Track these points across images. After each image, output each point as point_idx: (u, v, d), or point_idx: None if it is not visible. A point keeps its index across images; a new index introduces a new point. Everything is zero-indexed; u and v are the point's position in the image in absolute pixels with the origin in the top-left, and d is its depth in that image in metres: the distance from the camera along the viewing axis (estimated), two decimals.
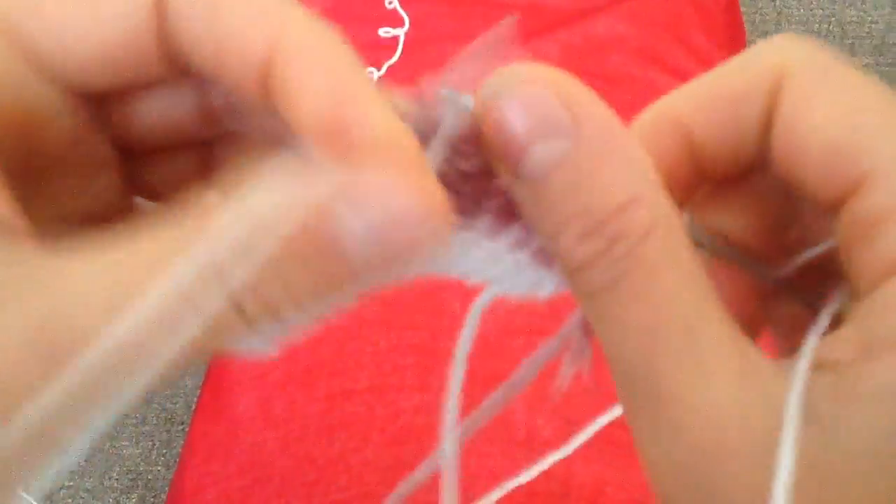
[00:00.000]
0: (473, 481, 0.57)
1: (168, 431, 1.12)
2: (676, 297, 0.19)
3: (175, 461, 1.04)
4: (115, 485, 1.09)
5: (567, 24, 0.93)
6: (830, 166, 0.20)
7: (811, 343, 0.19)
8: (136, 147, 0.25)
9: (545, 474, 0.57)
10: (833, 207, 0.20)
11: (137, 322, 0.17)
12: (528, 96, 0.19)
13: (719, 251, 0.25)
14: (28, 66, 0.22)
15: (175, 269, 0.17)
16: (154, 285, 0.17)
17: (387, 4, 0.94)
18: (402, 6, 0.94)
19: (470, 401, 0.29)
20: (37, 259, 0.19)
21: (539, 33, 0.92)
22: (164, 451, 1.11)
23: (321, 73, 0.20)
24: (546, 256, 0.22)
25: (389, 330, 0.61)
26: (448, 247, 0.20)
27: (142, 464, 1.11)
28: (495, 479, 0.56)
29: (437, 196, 0.18)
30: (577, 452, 0.58)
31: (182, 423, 1.12)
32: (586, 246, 0.19)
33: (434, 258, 0.21)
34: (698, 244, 0.23)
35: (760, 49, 0.22)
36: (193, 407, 0.71)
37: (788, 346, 0.26)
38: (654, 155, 0.21)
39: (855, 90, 0.20)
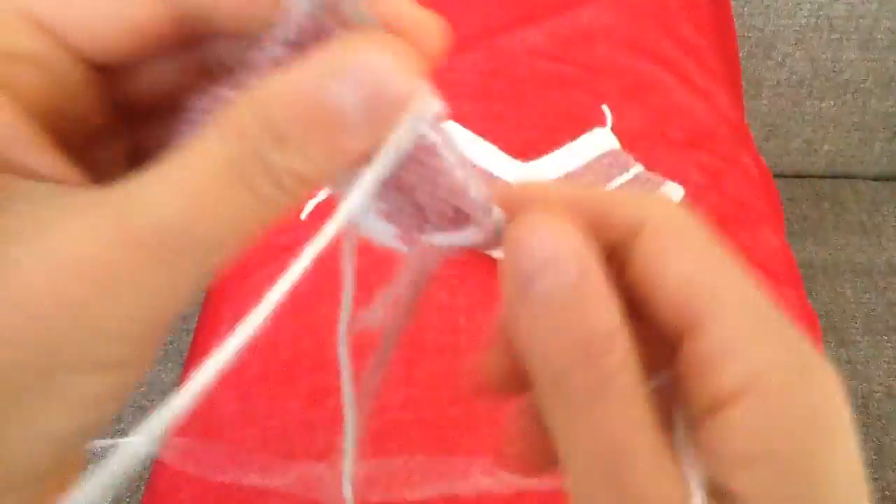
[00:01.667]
0: (466, 478, 0.55)
1: None
2: (625, 429, 0.22)
3: (150, 459, 1.02)
4: None
5: (553, 13, 0.92)
6: (674, 307, 0.23)
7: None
8: (142, 114, 0.27)
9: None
10: (675, 343, 0.24)
11: (204, 201, 0.21)
12: (552, 236, 0.23)
13: None
14: (53, 43, 0.23)
15: (219, 153, 0.21)
16: (206, 170, 0.21)
17: None
18: None
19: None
20: (106, 188, 0.21)
21: (525, 22, 0.91)
22: None
23: None
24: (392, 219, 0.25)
25: None
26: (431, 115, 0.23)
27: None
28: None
29: (416, 67, 0.22)
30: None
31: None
32: (573, 374, 0.22)
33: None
34: None
35: (636, 195, 0.26)
36: None
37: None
38: None
39: (702, 249, 0.24)
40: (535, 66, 0.87)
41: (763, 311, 0.23)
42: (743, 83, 1.09)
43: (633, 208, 0.25)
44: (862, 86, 1.27)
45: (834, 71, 1.26)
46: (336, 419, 0.57)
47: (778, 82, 1.25)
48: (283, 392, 0.60)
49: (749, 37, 1.21)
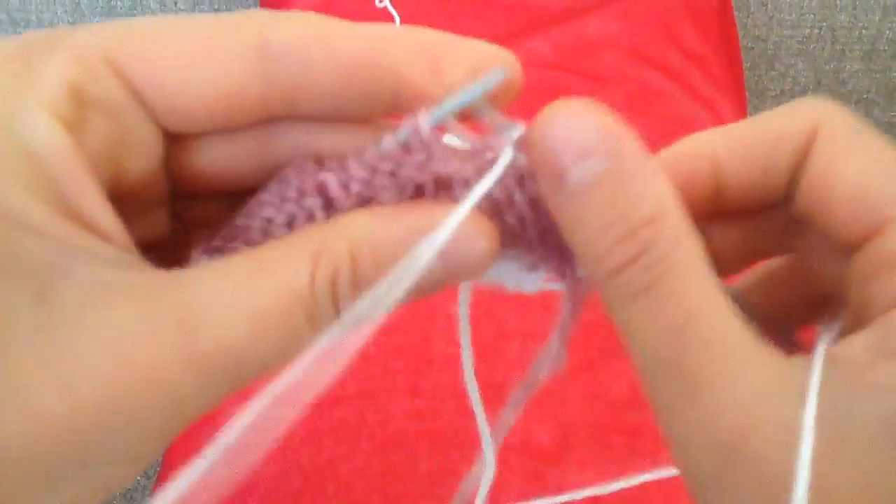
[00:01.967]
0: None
1: None
2: (702, 301, 0.22)
3: (155, 470, 1.02)
4: None
5: (559, 23, 0.92)
6: (854, 210, 0.23)
7: (824, 341, 0.23)
8: (189, 187, 0.26)
9: (541, 484, 0.55)
10: (852, 247, 0.23)
11: (266, 334, 0.21)
12: (572, 125, 0.22)
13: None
14: (133, 100, 0.23)
15: (294, 287, 0.21)
16: (277, 300, 0.21)
17: (377, 3, 0.93)
18: (392, 5, 0.92)
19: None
20: (160, 272, 0.22)
21: (531, 32, 0.91)
22: None
23: None
24: (534, 266, 0.26)
25: (379, 333, 0.59)
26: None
27: None
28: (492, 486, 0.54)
29: (495, 241, 0.24)
30: (574, 459, 0.57)
31: None
32: (621, 251, 0.22)
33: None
34: None
35: (798, 104, 0.25)
36: None
37: None
38: (682, 179, 0.25)
39: (880, 150, 0.24)
40: (541, 76, 0.87)
41: None
42: (746, 93, 1.09)
43: (799, 120, 0.25)
44: (865, 96, 1.27)
45: (837, 81, 1.26)
46: (341, 428, 0.57)
47: (781, 92, 1.25)
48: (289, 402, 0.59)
49: (753, 48, 1.22)
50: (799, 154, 0.24)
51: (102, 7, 1.17)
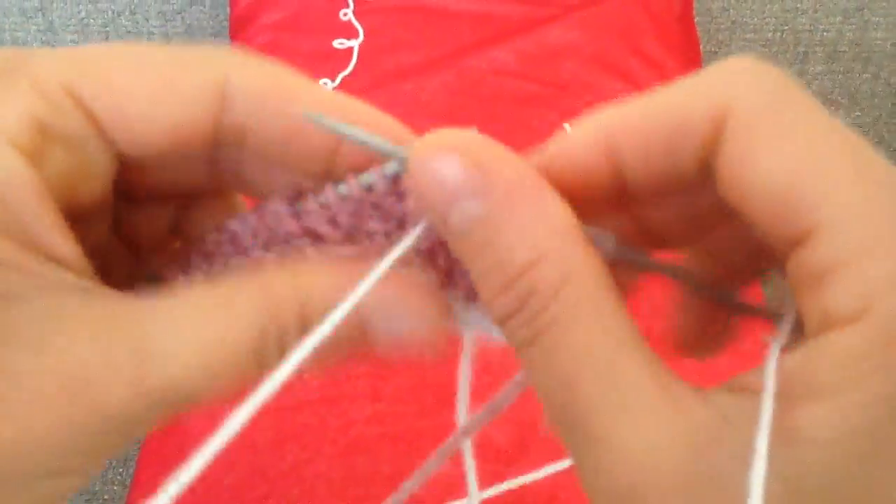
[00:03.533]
0: (428, 489, 0.57)
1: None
2: (593, 346, 0.20)
3: (128, 476, 1.03)
4: None
5: (521, 32, 0.94)
6: (776, 216, 0.20)
7: (770, 385, 0.19)
8: (135, 196, 0.27)
9: (499, 484, 0.57)
10: (781, 253, 0.20)
11: (215, 372, 0.21)
12: (441, 166, 0.21)
13: (651, 267, 0.26)
14: (93, 130, 0.23)
15: (245, 330, 0.22)
16: (227, 342, 0.21)
17: (341, 16, 0.94)
18: (356, 18, 0.94)
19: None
20: (117, 298, 0.22)
21: (494, 42, 0.92)
22: (121, 469, 1.09)
23: None
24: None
25: None
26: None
27: (97, 483, 1.09)
28: (449, 487, 0.56)
29: (440, 314, 0.23)
30: (531, 459, 0.58)
31: (139, 441, 1.10)
32: (502, 301, 0.21)
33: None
34: (629, 262, 0.24)
35: (707, 77, 0.21)
36: None
37: (687, 337, 0.27)
38: (578, 167, 0.23)
39: (806, 133, 0.20)
40: (503, 85, 0.89)
41: (890, 210, 0.19)
42: None
43: (705, 99, 0.21)
44: (829, 97, 1.29)
45: (801, 84, 1.28)
46: (305, 434, 0.58)
47: None
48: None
49: (716, 52, 1.24)
50: (705, 146, 0.21)
51: (76, 25, 1.18)
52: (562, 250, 0.20)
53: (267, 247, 0.25)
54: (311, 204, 0.24)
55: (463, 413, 0.28)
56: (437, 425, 0.59)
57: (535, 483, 0.56)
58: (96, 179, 0.24)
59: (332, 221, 0.24)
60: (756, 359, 0.20)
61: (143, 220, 0.28)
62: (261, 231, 0.25)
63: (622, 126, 0.22)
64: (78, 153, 0.23)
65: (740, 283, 0.26)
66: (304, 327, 0.22)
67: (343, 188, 0.24)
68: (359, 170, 0.24)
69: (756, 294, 0.34)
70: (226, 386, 0.22)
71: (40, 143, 0.22)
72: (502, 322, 0.21)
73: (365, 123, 0.24)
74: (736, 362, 0.25)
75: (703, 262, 0.26)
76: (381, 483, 0.57)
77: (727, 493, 0.18)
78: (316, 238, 0.24)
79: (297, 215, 0.24)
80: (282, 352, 0.21)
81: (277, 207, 0.25)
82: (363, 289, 0.22)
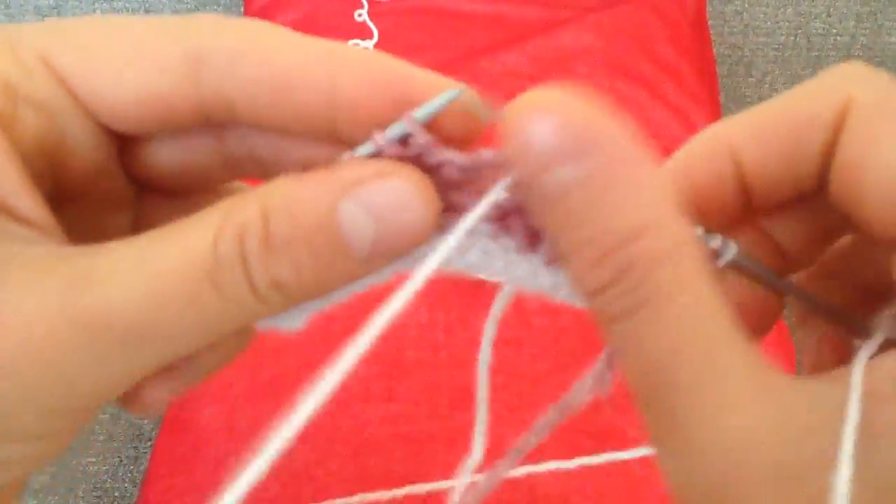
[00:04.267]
0: (441, 490, 0.57)
1: (136, 448, 1.11)
2: (693, 326, 0.19)
3: (142, 478, 1.03)
4: (81, 503, 1.07)
5: (534, 35, 0.94)
6: (890, 203, 0.20)
7: (858, 371, 0.19)
8: (153, 187, 0.26)
9: (511, 483, 0.57)
10: (891, 243, 0.20)
11: (163, 297, 0.20)
12: (545, 124, 0.19)
13: (771, 280, 0.25)
14: (67, 97, 0.23)
15: (197, 248, 0.20)
16: (176, 263, 0.20)
17: (356, 17, 0.94)
18: (371, 19, 0.94)
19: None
20: (68, 247, 0.21)
21: (507, 45, 0.93)
22: (132, 467, 1.09)
23: None
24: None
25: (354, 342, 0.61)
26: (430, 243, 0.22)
27: (108, 480, 1.09)
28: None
29: (435, 204, 0.21)
30: (537, 457, 0.58)
31: (150, 440, 1.10)
32: (598, 273, 0.19)
33: (466, 260, 0.23)
34: (743, 269, 0.24)
35: (824, 79, 0.22)
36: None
37: (811, 360, 0.26)
38: (699, 178, 0.23)
39: None
40: (516, 88, 0.88)
41: None
42: (724, 101, 1.11)
43: (827, 97, 0.21)
44: None
45: None
46: (317, 434, 0.59)
47: (759, 98, 1.26)
48: (267, 408, 0.61)
49: (729, 55, 1.24)
50: (828, 139, 0.21)
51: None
52: (666, 222, 0.19)
53: None
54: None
55: (484, 372, 0.28)
56: (450, 427, 0.60)
57: (547, 485, 0.56)
58: (81, 150, 0.24)
59: None
60: None
61: (169, 215, 0.28)
62: None
63: (744, 130, 0.23)
64: (51, 119, 0.23)
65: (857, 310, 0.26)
66: (268, 230, 0.20)
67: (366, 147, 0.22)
68: (362, 121, 0.22)
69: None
70: (182, 312, 0.20)
71: (9, 105, 0.22)
72: (594, 294, 0.20)
73: (363, 69, 0.22)
74: None
75: (820, 286, 0.26)
76: (393, 484, 0.57)
77: (812, 488, 0.18)
78: None
79: None
80: (244, 263, 0.20)
81: None
82: (453, 240, 0.20)
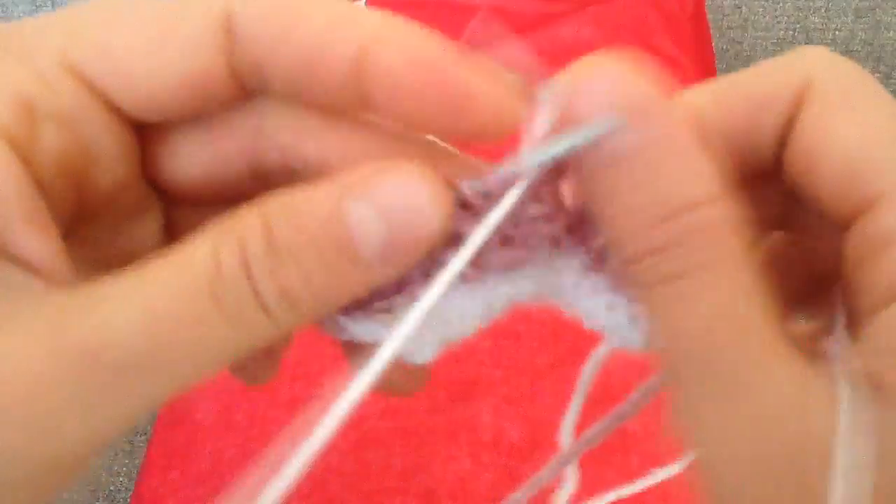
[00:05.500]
0: (440, 483, 0.56)
1: (131, 442, 1.10)
2: (736, 299, 0.19)
3: (138, 472, 1.03)
4: (76, 497, 1.07)
5: (533, 28, 0.93)
6: (844, 183, 0.20)
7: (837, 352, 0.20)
8: (180, 198, 0.25)
9: (513, 480, 0.57)
10: (843, 223, 0.21)
11: (161, 321, 0.18)
12: (611, 86, 0.19)
13: None
14: (93, 102, 0.21)
15: (195, 263, 0.19)
16: (173, 281, 0.18)
17: None
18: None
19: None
20: (63, 293, 0.19)
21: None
22: (126, 461, 1.09)
23: None
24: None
25: None
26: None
27: (104, 475, 1.09)
28: (461, 480, 0.56)
29: (446, 197, 0.20)
30: (542, 457, 0.58)
31: (145, 434, 1.10)
32: (654, 235, 0.19)
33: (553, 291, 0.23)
34: None
35: (790, 58, 0.22)
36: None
37: None
38: None
39: (877, 111, 0.21)
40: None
41: None
42: None
43: (789, 75, 0.21)
44: None
45: None
46: None
47: None
48: (264, 401, 0.61)
49: (728, 49, 1.23)
50: (786, 116, 0.22)
51: None
52: (725, 197, 0.19)
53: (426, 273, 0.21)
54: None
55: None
56: (450, 420, 0.59)
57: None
58: (109, 160, 0.22)
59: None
60: None
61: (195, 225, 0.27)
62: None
63: (710, 99, 0.23)
64: (75, 132, 0.21)
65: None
66: (271, 239, 0.19)
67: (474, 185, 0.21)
68: (391, 87, 0.21)
69: None
70: (184, 337, 0.18)
71: (29, 124, 0.20)
72: (644, 255, 0.20)
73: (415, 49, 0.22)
74: None
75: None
76: (392, 477, 0.56)
77: (822, 464, 0.19)
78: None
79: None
80: (249, 277, 0.19)
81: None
82: (492, 221, 0.20)
